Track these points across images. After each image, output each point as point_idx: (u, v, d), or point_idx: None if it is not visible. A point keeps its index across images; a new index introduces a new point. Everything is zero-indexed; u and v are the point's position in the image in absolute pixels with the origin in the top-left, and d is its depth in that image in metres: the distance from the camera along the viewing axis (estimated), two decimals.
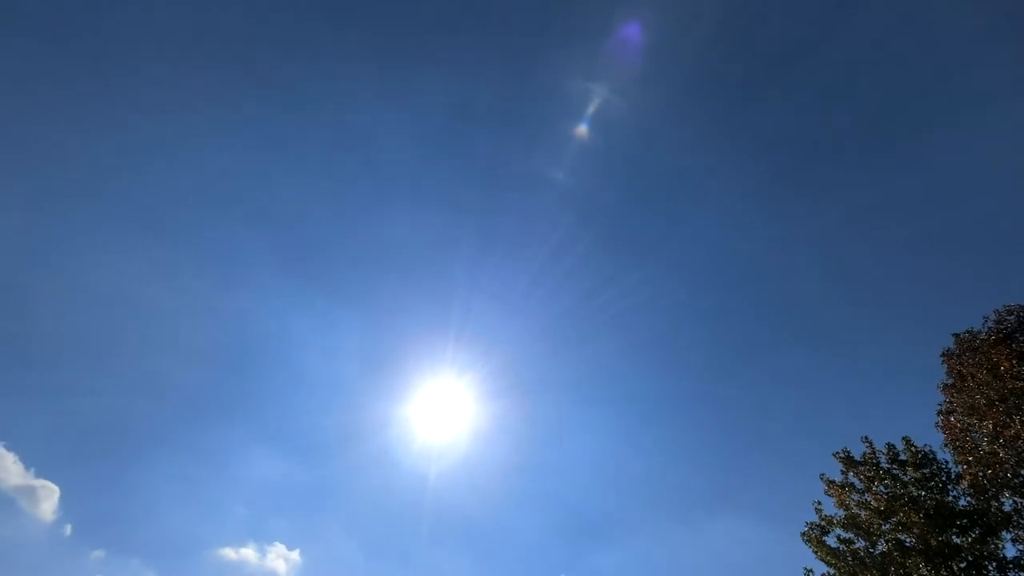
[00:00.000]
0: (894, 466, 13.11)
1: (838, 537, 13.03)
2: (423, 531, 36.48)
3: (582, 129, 35.93)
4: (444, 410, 36.95)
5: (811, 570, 12.95)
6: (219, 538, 36.17)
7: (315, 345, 42.71)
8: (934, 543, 11.62)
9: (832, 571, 12.74)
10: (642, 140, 39.50)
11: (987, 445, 12.88)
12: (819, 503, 13.69)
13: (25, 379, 33.21)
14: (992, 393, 12.90)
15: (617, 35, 33.43)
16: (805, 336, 42.00)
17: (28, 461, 32.89)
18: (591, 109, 35.32)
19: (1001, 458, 12.55)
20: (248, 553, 34.90)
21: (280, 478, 40.38)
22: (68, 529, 32.91)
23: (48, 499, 32.52)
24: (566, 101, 36.63)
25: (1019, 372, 12.54)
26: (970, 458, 12.94)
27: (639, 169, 41.35)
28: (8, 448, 32.46)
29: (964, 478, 12.63)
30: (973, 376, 13.44)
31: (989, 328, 13.57)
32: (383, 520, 39.82)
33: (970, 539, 11.66)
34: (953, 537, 11.80)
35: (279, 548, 35.83)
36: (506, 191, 41.65)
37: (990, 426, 12.81)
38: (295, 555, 35.85)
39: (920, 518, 11.97)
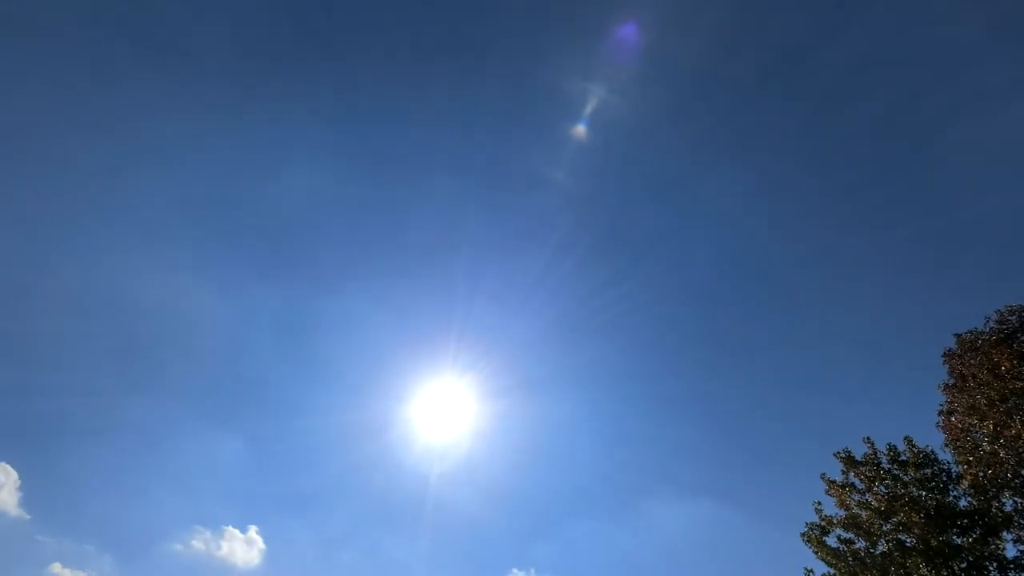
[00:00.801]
0: (895, 466, 13.09)
1: (838, 537, 13.01)
2: (425, 530, 36.58)
3: (583, 129, 35.95)
4: (445, 409, 37.09)
5: (811, 570, 12.96)
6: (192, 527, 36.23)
7: (318, 345, 42.77)
8: (935, 543, 11.61)
9: (832, 571, 12.73)
10: (643, 140, 39.53)
11: (988, 445, 12.86)
12: (819, 503, 13.67)
13: None
14: (993, 393, 12.88)
15: (617, 35, 33.42)
16: (806, 336, 42.03)
17: None
18: (592, 109, 35.35)
19: (1001, 458, 12.54)
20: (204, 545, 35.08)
21: (279, 476, 40.45)
22: (25, 514, 33.04)
23: (7, 485, 32.63)
24: (567, 102, 36.65)
25: (1020, 372, 12.53)
26: (971, 458, 12.93)
27: (640, 169, 41.37)
28: None
29: (965, 478, 12.61)
30: (974, 376, 13.43)
31: (991, 328, 13.55)
32: (386, 519, 39.87)
33: (971, 539, 11.65)
34: (954, 537, 11.79)
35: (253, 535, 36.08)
36: (507, 191, 41.71)
37: (991, 426, 12.80)
38: (256, 535, 36.10)
39: (921, 518, 11.96)
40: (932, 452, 13.11)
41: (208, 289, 39.89)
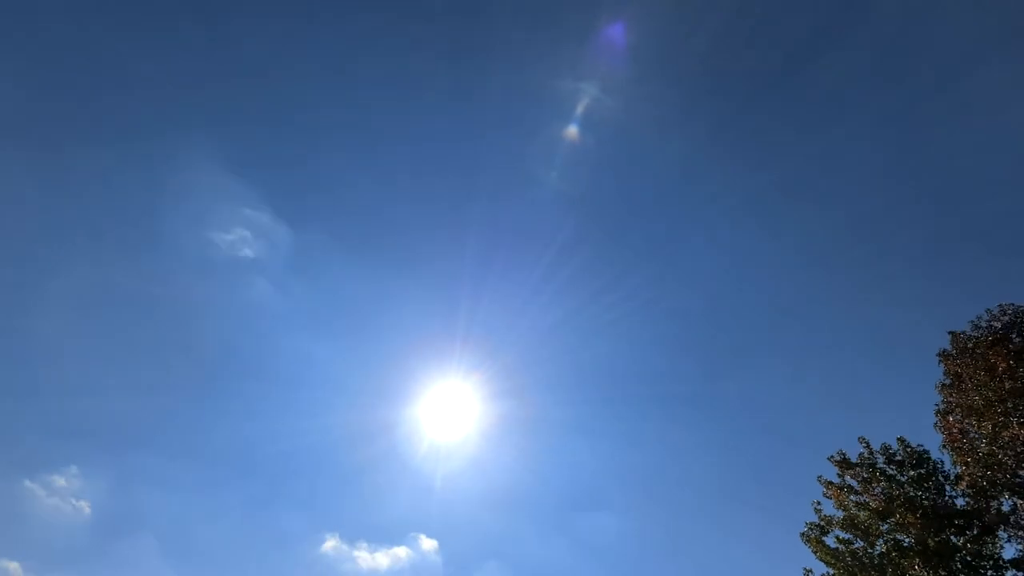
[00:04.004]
0: (890, 467, 13.20)
1: (837, 538, 13.14)
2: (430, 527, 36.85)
3: (582, 132, 36.16)
4: (450, 410, 37.49)
5: (811, 570, 13.11)
6: None
7: (321, 345, 43.16)
8: (932, 543, 11.71)
9: (831, 571, 12.87)
10: (644, 142, 39.67)
11: (986, 446, 12.91)
12: (818, 503, 13.79)
13: None
14: (990, 394, 12.89)
15: (618, 35, 33.64)
16: (806, 337, 41.99)
17: None
18: (591, 111, 35.56)
19: (1000, 459, 12.59)
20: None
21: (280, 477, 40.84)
22: None
23: None
24: (568, 103, 36.85)
25: (1016, 373, 12.54)
26: (969, 459, 12.97)
27: (642, 171, 41.51)
28: None
29: (963, 479, 12.68)
30: (970, 377, 13.46)
31: (984, 328, 13.58)
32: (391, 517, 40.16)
33: (967, 539, 11.76)
34: (951, 537, 11.90)
35: None
36: (511, 192, 42.00)
37: (989, 427, 12.83)
38: None
39: (917, 518, 12.07)
40: (926, 452, 13.21)
41: (210, 290, 40.33)
